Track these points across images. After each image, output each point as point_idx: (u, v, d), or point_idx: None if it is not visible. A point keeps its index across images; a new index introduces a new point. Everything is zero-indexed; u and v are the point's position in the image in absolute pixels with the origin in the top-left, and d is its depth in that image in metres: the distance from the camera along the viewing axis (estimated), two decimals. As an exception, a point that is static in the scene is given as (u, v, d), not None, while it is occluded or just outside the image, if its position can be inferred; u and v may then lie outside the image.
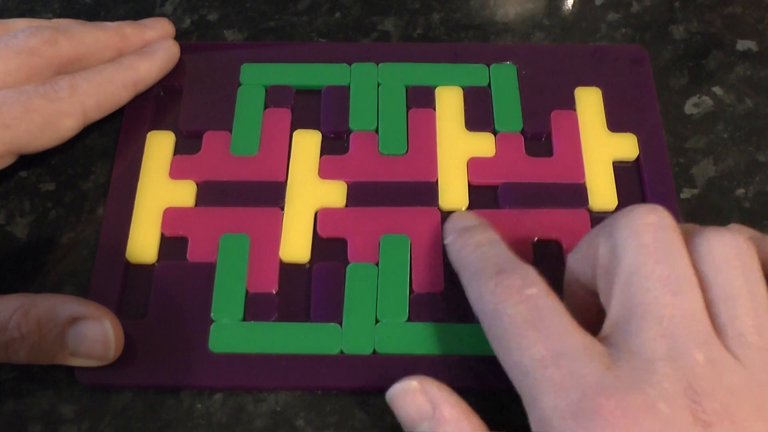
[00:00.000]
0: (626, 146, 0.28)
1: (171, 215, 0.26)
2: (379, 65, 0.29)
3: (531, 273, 0.20)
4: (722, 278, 0.19)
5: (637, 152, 0.28)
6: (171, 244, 0.26)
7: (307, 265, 0.26)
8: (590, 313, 0.21)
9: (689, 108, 0.29)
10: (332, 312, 0.25)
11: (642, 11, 0.32)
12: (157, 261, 0.26)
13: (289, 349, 0.24)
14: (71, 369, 0.24)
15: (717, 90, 0.30)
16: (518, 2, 0.32)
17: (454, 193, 0.27)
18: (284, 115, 0.29)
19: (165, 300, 0.25)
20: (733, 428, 0.17)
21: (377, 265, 0.25)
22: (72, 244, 0.26)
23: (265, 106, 0.29)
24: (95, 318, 0.22)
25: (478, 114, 0.28)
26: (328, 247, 0.26)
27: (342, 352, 0.24)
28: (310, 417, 0.23)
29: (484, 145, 0.28)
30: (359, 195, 0.27)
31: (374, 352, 0.24)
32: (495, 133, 0.28)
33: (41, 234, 0.27)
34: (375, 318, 0.24)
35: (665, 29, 0.31)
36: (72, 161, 0.28)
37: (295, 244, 0.26)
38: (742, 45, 0.31)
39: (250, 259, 0.25)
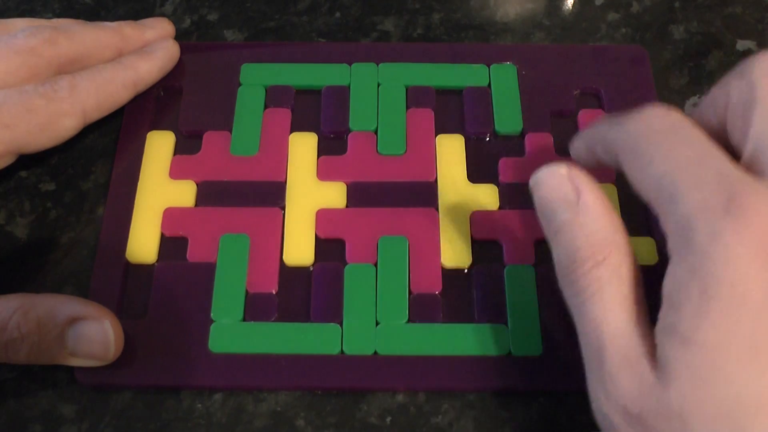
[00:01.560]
0: None
1: (171, 215, 0.26)
2: (379, 65, 0.29)
3: (661, 107, 0.20)
4: None
5: None
6: (171, 244, 0.26)
7: (311, 268, 0.26)
8: None
9: (689, 108, 0.29)
10: (332, 312, 0.25)
11: (642, 11, 0.32)
12: (157, 261, 0.26)
13: (289, 349, 0.24)
14: (71, 369, 0.24)
15: (717, 90, 0.30)
16: (518, 2, 0.32)
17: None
18: (284, 115, 0.29)
19: (165, 300, 0.25)
20: None
21: (376, 265, 0.25)
22: (72, 244, 0.26)
23: (265, 106, 0.29)
24: (95, 318, 0.22)
25: (478, 114, 0.28)
26: (327, 247, 0.26)
27: (342, 352, 0.24)
28: (310, 417, 0.23)
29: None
30: (358, 195, 0.27)
31: (375, 353, 0.24)
32: (496, 133, 0.28)
33: (41, 234, 0.27)
34: (375, 319, 0.24)
35: (665, 29, 0.31)
36: (72, 161, 0.28)
37: (298, 247, 0.26)
38: (742, 45, 0.31)
39: (250, 259, 0.25)
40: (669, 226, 0.18)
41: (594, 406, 0.19)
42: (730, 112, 0.20)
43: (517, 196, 0.27)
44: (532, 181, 0.21)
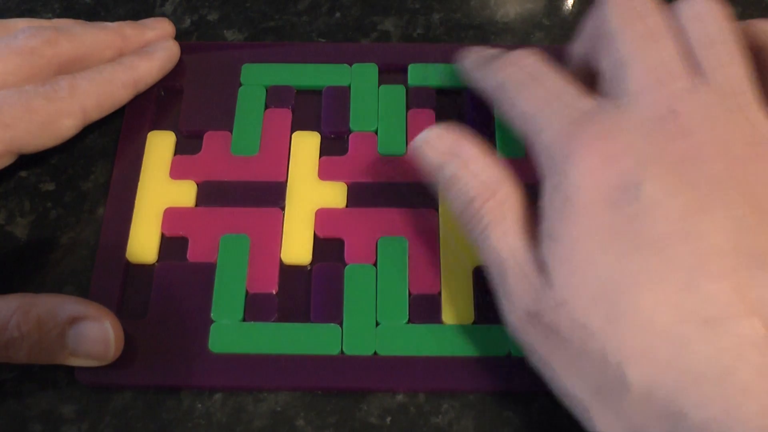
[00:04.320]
0: None
1: (171, 215, 0.26)
2: (380, 66, 0.29)
3: (523, 52, 0.24)
4: (698, 26, 0.22)
5: None
6: (171, 244, 0.26)
7: (309, 267, 0.26)
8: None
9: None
10: (332, 313, 0.25)
11: (642, 11, 0.32)
12: (157, 261, 0.26)
13: (289, 349, 0.24)
14: (71, 369, 0.24)
15: (717, 90, 0.30)
16: (518, 2, 0.32)
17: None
18: (285, 115, 0.29)
19: (165, 300, 0.25)
20: (701, 143, 0.20)
21: (375, 266, 0.25)
22: (72, 244, 0.26)
23: (266, 107, 0.29)
24: (95, 318, 0.22)
25: (478, 114, 0.28)
26: (327, 247, 0.26)
27: (342, 352, 0.24)
28: (310, 417, 0.23)
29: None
30: (358, 196, 0.27)
31: (375, 353, 0.24)
32: (495, 133, 0.28)
33: (41, 234, 0.27)
34: (375, 319, 0.24)
35: (665, 29, 0.31)
36: (72, 161, 0.28)
37: (296, 246, 0.26)
38: (742, 45, 0.31)
39: (250, 259, 0.26)
40: (536, 154, 0.22)
41: (504, 319, 0.22)
42: (593, 43, 0.24)
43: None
44: (414, 144, 0.23)
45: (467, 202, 0.22)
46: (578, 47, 0.25)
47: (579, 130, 0.20)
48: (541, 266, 0.20)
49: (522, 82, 0.23)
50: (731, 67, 0.21)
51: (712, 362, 0.17)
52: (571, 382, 0.20)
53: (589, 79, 0.24)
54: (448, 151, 0.23)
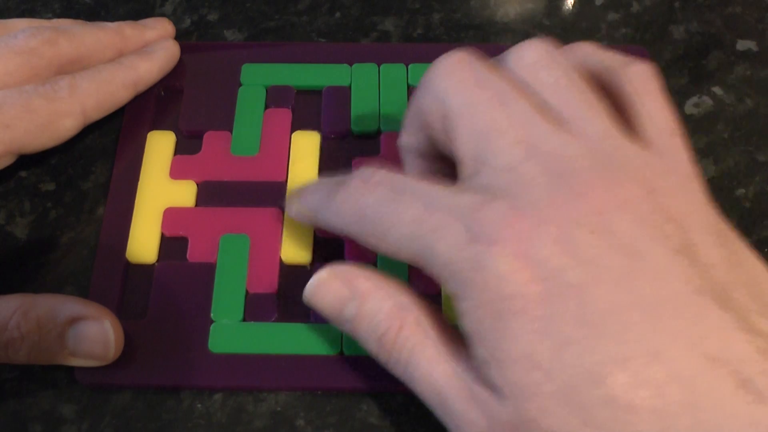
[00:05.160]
0: None
1: (171, 215, 0.26)
2: (380, 66, 0.29)
3: (367, 169, 0.21)
4: (542, 76, 0.20)
5: None
6: (171, 244, 0.26)
7: (309, 267, 0.26)
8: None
9: (689, 108, 0.29)
10: (332, 312, 0.25)
11: (642, 11, 0.32)
12: (157, 261, 0.26)
13: (289, 349, 0.24)
14: (71, 369, 0.24)
15: (717, 90, 0.30)
16: (518, 2, 0.32)
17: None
18: (285, 115, 0.29)
19: (165, 300, 0.25)
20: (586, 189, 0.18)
21: (375, 265, 0.25)
22: (72, 244, 0.26)
23: (266, 107, 0.29)
24: (95, 318, 0.22)
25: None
26: (327, 247, 0.26)
27: (342, 352, 0.24)
28: (310, 417, 0.23)
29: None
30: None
31: (374, 352, 0.24)
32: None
33: (41, 234, 0.27)
34: (375, 318, 0.24)
35: (665, 29, 0.31)
36: (72, 161, 0.28)
37: (296, 246, 0.26)
38: (742, 45, 0.31)
39: (250, 259, 0.25)
40: (435, 276, 0.19)
41: None
42: (435, 128, 0.21)
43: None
44: (305, 298, 0.22)
45: (379, 337, 0.20)
46: (410, 139, 0.23)
47: (477, 232, 0.18)
48: (491, 388, 0.18)
49: (384, 205, 0.20)
50: (590, 111, 0.19)
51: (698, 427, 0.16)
52: None
53: (434, 167, 0.22)
54: (340, 295, 0.21)
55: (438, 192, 0.19)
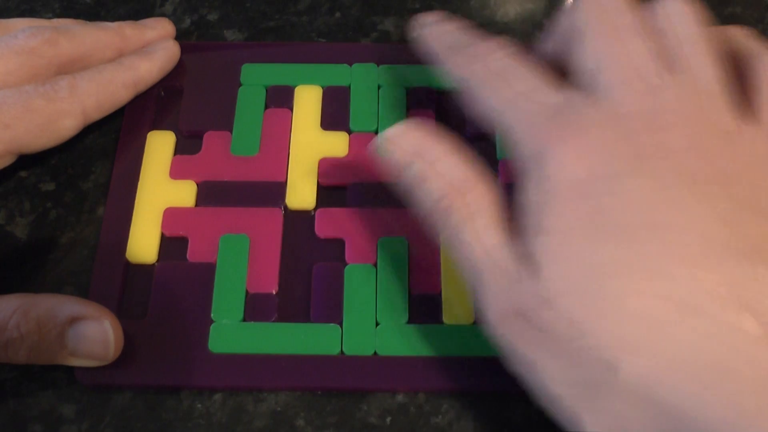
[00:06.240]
0: None
1: (171, 215, 0.26)
2: (380, 66, 0.29)
3: (494, 44, 0.23)
4: (670, 25, 0.22)
5: None
6: (171, 244, 0.26)
7: (312, 212, 0.26)
8: None
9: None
10: (332, 312, 0.25)
11: (642, 11, 0.32)
12: (157, 261, 0.26)
13: (289, 349, 0.24)
14: (71, 369, 0.24)
15: (717, 90, 0.30)
16: (518, 2, 0.32)
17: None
18: (284, 115, 0.29)
19: (165, 300, 0.25)
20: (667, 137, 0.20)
21: (375, 266, 0.25)
22: (72, 244, 0.26)
23: (266, 106, 0.29)
24: (95, 318, 0.22)
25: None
26: (327, 247, 0.26)
27: (342, 352, 0.24)
28: (310, 417, 0.23)
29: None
30: (358, 196, 0.27)
31: (374, 353, 0.24)
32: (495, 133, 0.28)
33: (41, 234, 0.27)
34: (375, 319, 0.24)
35: (665, 29, 0.31)
36: (72, 161, 0.28)
37: (301, 192, 0.27)
38: (743, 45, 0.31)
39: (250, 259, 0.26)
40: (509, 149, 0.22)
41: (485, 326, 0.21)
42: (564, 42, 0.23)
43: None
44: (377, 142, 0.23)
45: (434, 202, 0.21)
46: (549, 45, 0.25)
47: (551, 126, 0.20)
48: (524, 261, 0.20)
49: (487, 81, 0.22)
50: (703, 66, 0.21)
51: (703, 352, 0.17)
52: (557, 381, 0.19)
53: (560, 74, 0.24)
54: (412, 150, 0.22)
55: (535, 84, 0.22)
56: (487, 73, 0.23)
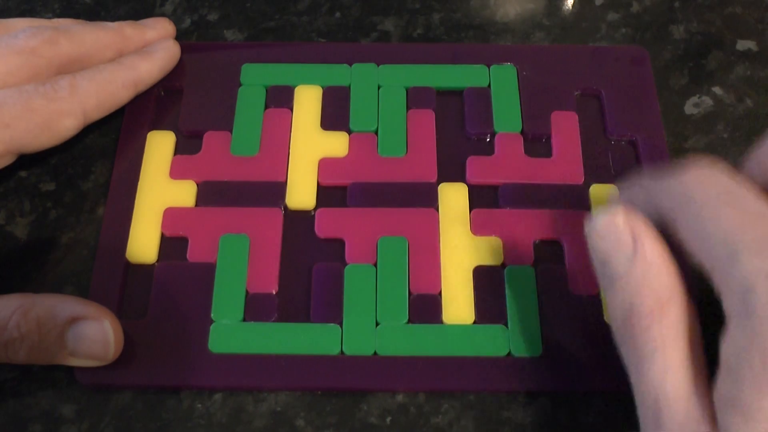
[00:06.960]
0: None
1: (171, 215, 0.26)
2: (380, 66, 0.29)
3: (707, 168, 0.20)
4: None
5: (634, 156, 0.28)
6: (171, 244, 0.26)
7: (312, 212, 0.26)
8: None
9: (689, 108, 0.29)
10: (332, 312, 0.25)
11: (642, 11, 0.32)
12: (157, 261, 0.26)
13: (289, 349, 0.24)
14: (71, 369, 0.24)
15: (717, 90, 0.30)
16: (518, 2, 0.32)
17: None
18: (284, 115, 0.29)
19: (165, 300, 0.25)
20: None
21: (375, 266, 0.25)
22: (72, 244, 0.26)
23: (266, 107, 0.29)
24: (95, 318, 0.22)
25: (478, 115, 0.28)
26: (327, 247, 0.26)
27: (342, 352, 0.24)
28: (310, 417, 0.23)
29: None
30: (358, 196, 0.27)
31: (375, 353, 0.24)
32: (495, 133, 0.28)
33: (41, 234, 0.27)
34: (375, 319, 0.24)
35: (665, 29, 0.31)
36: (72, 161, 0.28)
37: (301, 192, 0.27)
38: (742, 45, 0.31)
39: (250, 259, 0.26)
40: (727, 287, 0.17)
41: None
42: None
43: (515, 196, 0.27)
44: (587, 228, 0.20)
45: (630, 316, 0.19)
46: (753, 167, 0.21)
47: None
48: (715, 428, 0.17)
49: (716, 198, 0.18)
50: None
51: None
52: None
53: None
54: (620, 245, 0.19)
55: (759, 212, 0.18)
56: (702, 192, 0.19)
